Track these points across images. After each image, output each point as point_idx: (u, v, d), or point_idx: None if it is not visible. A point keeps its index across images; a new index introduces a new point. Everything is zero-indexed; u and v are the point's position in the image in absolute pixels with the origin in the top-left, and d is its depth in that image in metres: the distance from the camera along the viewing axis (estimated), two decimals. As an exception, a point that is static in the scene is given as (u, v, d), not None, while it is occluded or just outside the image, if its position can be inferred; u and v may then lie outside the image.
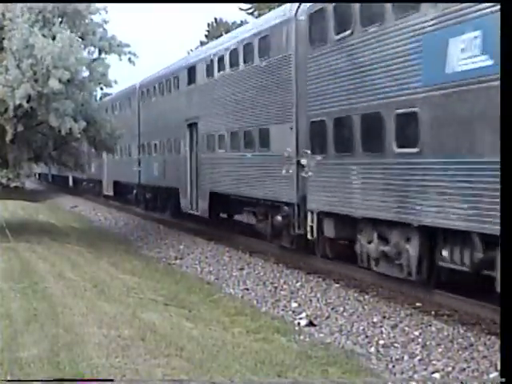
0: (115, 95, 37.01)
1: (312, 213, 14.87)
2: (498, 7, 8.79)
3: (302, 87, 15.32)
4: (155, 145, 28.96)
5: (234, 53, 19.85)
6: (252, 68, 18.45)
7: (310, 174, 14.87)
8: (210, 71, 22.04)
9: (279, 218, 16.94)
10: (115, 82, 20.50)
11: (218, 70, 21.11)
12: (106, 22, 20.36)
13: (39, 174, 68.42)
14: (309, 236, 15.07)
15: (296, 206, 15.78)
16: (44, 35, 17.97)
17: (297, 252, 17.14)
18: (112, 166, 37.11)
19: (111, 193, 38.20)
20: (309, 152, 14.91)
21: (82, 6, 19.61)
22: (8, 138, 19.24)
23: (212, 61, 21.79)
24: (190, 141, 23.95)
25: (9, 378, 6.64)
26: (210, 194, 21.80)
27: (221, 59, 20.94)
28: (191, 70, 24.09)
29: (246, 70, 18.89)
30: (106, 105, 37.12)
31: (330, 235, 14.54)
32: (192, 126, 23.72)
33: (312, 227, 14.86)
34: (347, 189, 13.46)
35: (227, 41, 21.45)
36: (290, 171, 15.91)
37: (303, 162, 15.18)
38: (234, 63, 19.82)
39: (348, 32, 13.15)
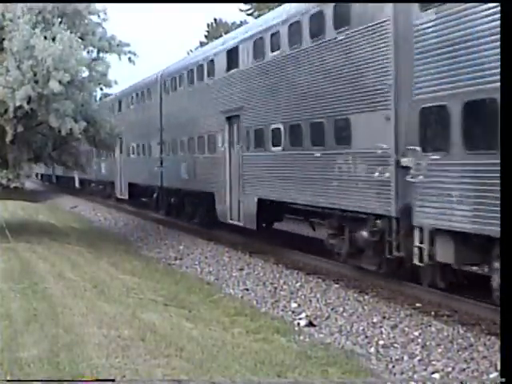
0: (130, 87, 33.12)
1: (421, 230, 11.17)
2: None
3: (405, 64, 11.56)
4: (182, 142, 24.57)
5: (294, 27, 15.68)
6: (323, 44, 14.36)
7: (419, 178, 11.21)
8: (259, 52, 17.70)
9: (364, 234, 13.24)
10: (115, 82, 20.50)
11: (272, 50, 16.87)
12: (104, 20, 20.36)
13: (42, 175, 66.43)
14: (415, 261, 11.31)
15: (394, 219, 12.07)
16: (45, 37, 17.96)
17: (297, 253, 17.13)
18: (127, 166, 33.12)
19: (126, 196, 33.71)
20: (418, 149, 11.23)
21: (81, 5, 19.61)
22: (8, 138, 19.23)
23: (262, 39, 17.50)
24: (230, 137, 19.93)
25: (9, 378, 6.64)
26: (259, 201, 17.81)
27: (275, 36, 16.72)
28: (232, 53, 19.64)
29: (314, 46, 14.72)
30: (118, 98, 34.64)
31: (446, 260, 10.83)
32: (232, 120, 19.69)
33: (421, 249, 11.16)
34: (486, 199, 9.66)
35: (283, 13, 16.80)
36: (386, 174, 12.11)
37: (406, 162, 11.54)
38: (294, 40, 15.64)
39: None
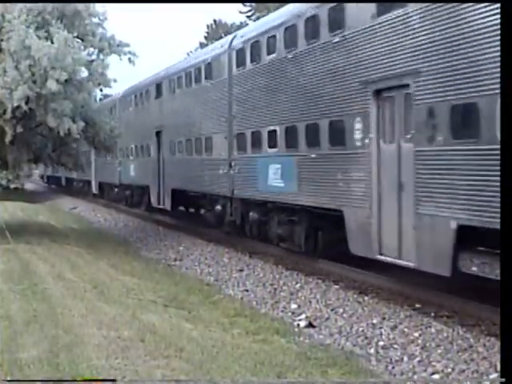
0: (175, 66, 26.27)
1: None
2: None
3: None
4: (272, 135, 16.83)
5: None
6: None
7: None
8: None
9: None
10: (114, 80, 20.45)
11: None
12: (103, 21, 20.37)
13: (48, 177, 59.42)
14: None
15: None
16: (39, 36, 17.97)
17: (296, 254, 17.10)
18: (171, 168, 25.67)
19: (167, 206, 26.09)
20: None
21: (81, 6, 19.63)
22: (7, 139, 19.26)
23: None
24: (380, 122, 12.49)
25: (8, 379, 6.65)
26: (460, 230, 10.30)
27: None
28: None
29: None
30: (155, 82, 27.81)
31: None
32: (388, 93, 12.23)
33: None
34: None
35: None
36: None
37: None
38: None
39: None
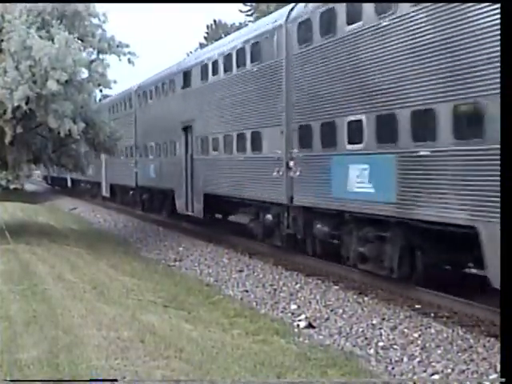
0: (209, 52, 22.21)
1: None
2: None
3: None
4: (357, 126, 13.11)
5: None
6: None
7: None
8: None
9: None
10: (114, 81, 20.41)
11: None
12: (103, 22, 20.36)
13: (52, 178, 56.13)
14: None
15: None
16: (41, 36, 17.99)
17: (295, 253, 17.10)
18: (203, 169, 21.84)
19: (198, 213, 22.33)
20: None
21: (81, 7, 19.63)
22: (7, 139, 19.27)
23: None
24: None
25: (8, 379, 6.65)
26: None
27: None
28: None
29: None
30: (183, 71, 23.85)
31: None
32: None
33: None
34: None
35: None
36: None
37: None
38: None
39: None
